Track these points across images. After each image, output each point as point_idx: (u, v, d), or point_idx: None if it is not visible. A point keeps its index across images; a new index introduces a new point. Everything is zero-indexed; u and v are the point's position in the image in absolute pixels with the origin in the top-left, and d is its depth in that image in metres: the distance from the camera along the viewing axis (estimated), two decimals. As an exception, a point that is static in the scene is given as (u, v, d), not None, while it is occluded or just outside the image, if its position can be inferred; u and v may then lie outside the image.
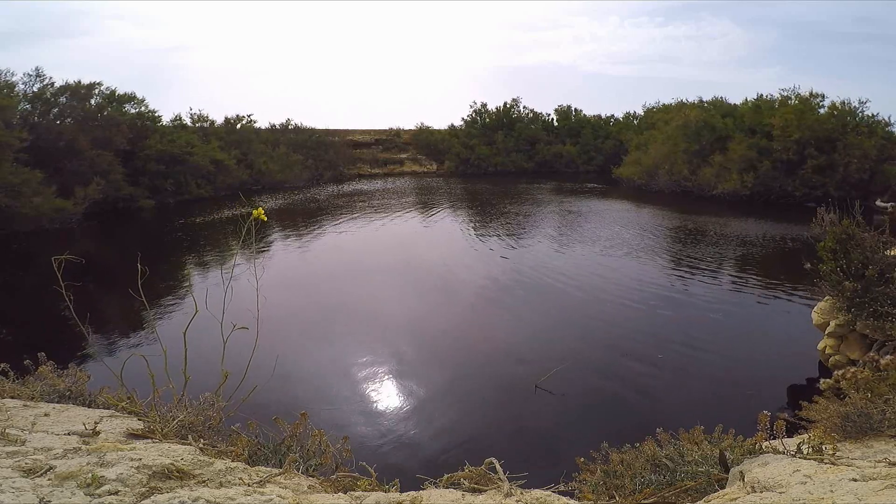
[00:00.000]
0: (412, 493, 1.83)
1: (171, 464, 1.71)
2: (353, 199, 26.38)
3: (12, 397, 2.64)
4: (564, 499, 1.84)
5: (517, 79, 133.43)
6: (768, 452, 2.32)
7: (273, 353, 5.12)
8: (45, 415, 2.35)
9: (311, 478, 2.06)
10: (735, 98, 31.80)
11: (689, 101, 32.20)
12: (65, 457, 1.71)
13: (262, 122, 36.26)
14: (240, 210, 22.53)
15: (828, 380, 5.93)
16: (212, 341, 2.80)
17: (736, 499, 1.90)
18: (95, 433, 2.08)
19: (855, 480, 1.76)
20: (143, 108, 26.49)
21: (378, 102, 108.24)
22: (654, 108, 36.94)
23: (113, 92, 25.42)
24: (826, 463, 2.04)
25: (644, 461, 2.91)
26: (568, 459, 3.81)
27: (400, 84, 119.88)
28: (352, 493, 1.85)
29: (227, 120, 33.58)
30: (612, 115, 45.04)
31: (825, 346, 7.05)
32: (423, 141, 42.71)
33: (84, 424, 2.13)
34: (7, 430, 1.96)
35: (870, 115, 23.84)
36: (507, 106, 44.50)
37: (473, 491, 1.89)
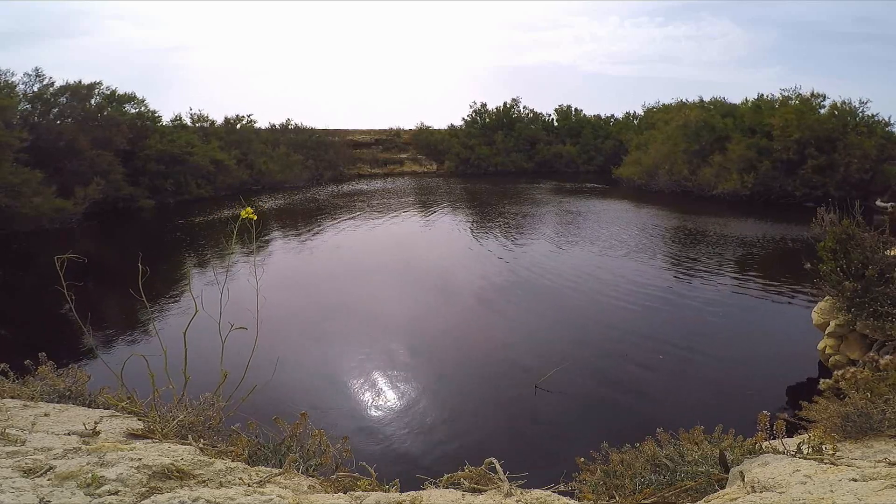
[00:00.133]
0: (412, 493, 1.83)
1: (171, 464, 1.71)
2: (352, 199, 26.38)
3: (12, 397, 2.64)
4: (564, 499, 1.84)
5: (517, 79, 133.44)
6: (768, 452, 2.32)
7: (273, 352, 5.13)
8: (45, 415, 2.35)
9: (311, 478, 2.07)
10: (735, 98, 31.84)
11: (690, 101, 32.24)
12: (65, 457, 1.71)
13: (262, 122, 36.32)
14: (239, 210, 22.54)
15: (828, 380, 5.92)
16: (212, 341, 2.80)
17: (736, 499, 1.90)
18: (95, 433, 2.08)
19: (855, 480, 1.76)
20: (142, 108, 26.50)
21: (378, 102, 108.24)
22: (654, 108, 36.94)
23: (113, 92, 25.43)
24: (826, 463, 2.04)
25: (644, 461, 2.91)
26: (568, 459, 3.81)
27: (400, 84, 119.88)
28: (352, 493, 1.86)
29: (227, 120, 33.57)
30: (612, 115, 45.08)
31: (825, 346, 7.05)
32: (423, 141, 42.71)
33: (84, 424, 2.13)
34: (7, 430, 1.96)
35: (870, 115, 23.88)
36: (507, 106, 44.50)
37: (473, 491, 1.89)
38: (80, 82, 23.47)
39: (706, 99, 31.34)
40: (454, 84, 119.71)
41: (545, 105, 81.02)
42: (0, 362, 3.09)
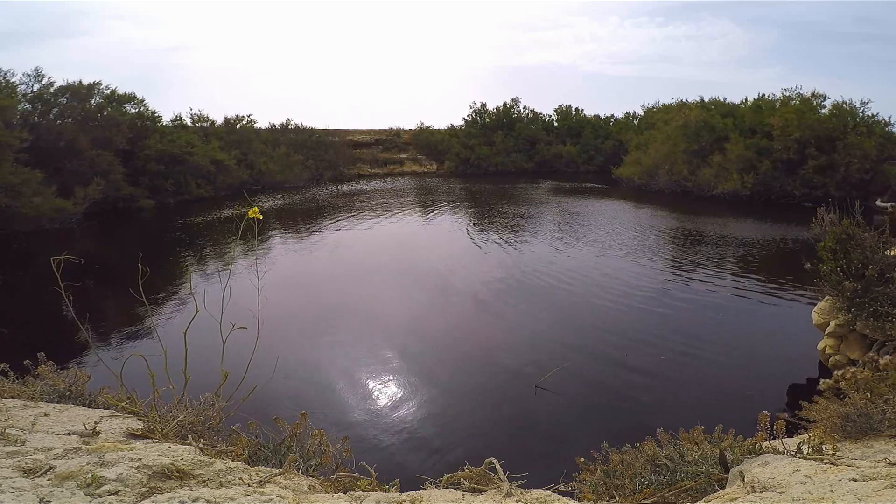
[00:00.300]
0: (412, 493, 1.83)
1: (171, 464, 1.71)
2: (352, 198, 26.38)
3: (12, 397, 2.64)
4: (564, 499, 1.84)
5: (517, 79, 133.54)
6: (768, 452, 2.32)
7: (273, 352, 5.13)
8: (45, 415, 2.35)
9: (311, 478, 2.07)
10: (735, 98, 31.85)
11: (690, 100, 32.24)
12: (65, 457, 1.71)
13: (262, 122, 36.36)
14: (238, 210, 22.54)
15: (828, 380, 5.91)
16: (212, 341, 2.80)
17: (736, 499, 1.90)
18: (95, 433, 2.08)
19: (855, 480, 1.76)
20: (142, 108, 26.52)
21: (378, 102, 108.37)
22: (653, 108, 36.95)
23: (113, 92, 25.43)
24: (826, 463, 2.04)
25: (644, 461, 2.91)
26: (568, 459, 3.81)
27: (400, 84, 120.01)
28: (352, 493, 1.86)
29: (227, 120, 33.59)
30: (612, 116, 45.09)
31: (825, 346, 7.04)
32: (423, 141, 42.72)
33: (84, 424, 2.13)
34: (7, 430, 1.96)
35: (870, 115, 23.88)
36: (507, 106, 44.51)
37: (473, 491, 1.89)
38: (79, 82, 23.49)
39: (706, 99, 31.40)
40: (454, 84, 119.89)
41: (545, 105, 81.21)
42: (0, 362, 3.09)
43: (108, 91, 25.01)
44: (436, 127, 44.51)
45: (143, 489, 1.54)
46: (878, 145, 22.38)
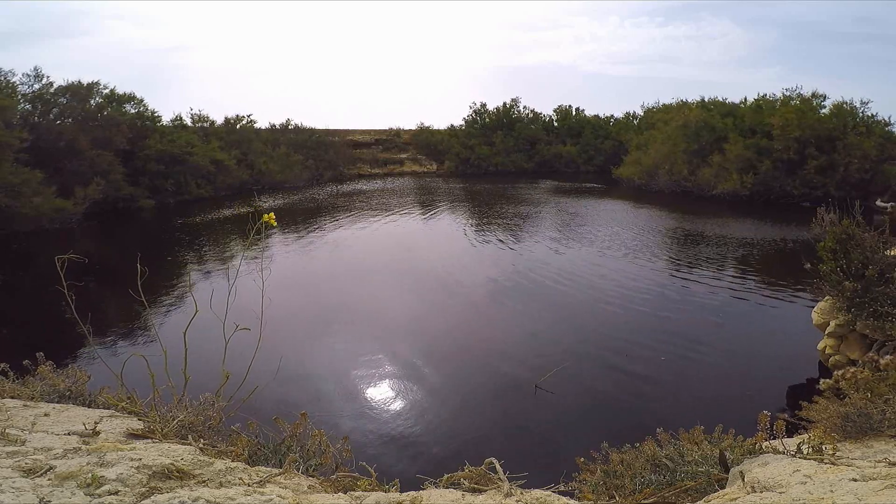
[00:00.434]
0: (412, 493, 1.83)
1: (171, 464, 1.71)
2: (352, 198, 26.38)
3: (12, 397, 2.64)
4: (564, 499, 1.84)
5: (517, 79, 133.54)
6: (768, 452, 2.32)
7: (273, 352, 5.13)
8: (45, 415, 2.35)
9: (311, 478, 2.07)
10: (735, 98, 31.82)
11: (690, 100, 32.25)
12: (65, 457, 1.71)
13: (262, 122, 36.31)
14: (239, 210, 22.54)
15: (828, 380, 5.92)
16: (212, 341, 2.80)
17: (736, 499, 1.90)
18: (95, 433, 2.08)
19: (855, 480, 1.76)
20: (142, 108, 26.51)
21: (378, 102, 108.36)
22: (653, 108, 36.96)
23: (112, 91, 25.43)
24: (826, 463, 2.04)
25: (644, 461, 2.91)
26: (568, 459, 3.81)
27: (400, 84, 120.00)
28: (352, 493, 1.86)
29: (227, 120, 33.57)
30: (612, 116, 45.07)
31: (825, 346, 7.04)
32: (423, 141, 42.72)
33: (84, 424, 2.13)
34: (7, 430, 1.96)
35: (870, 115, 23.89)
36: (507, 106, 44.50)
37: (473, 491, 1.89)
38: (79, 82, 23.50)
39: (706, 99, 31.39)
40: (454, 84, 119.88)
41: (545, 105, 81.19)
42: (0, 362, 3.09)
43: (108, 91, 25.03)
44: (436, 127, 44.56)
45: (143, 489, 1.54)
46: (878, 145, 22.38)
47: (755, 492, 1.91)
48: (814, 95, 25.30)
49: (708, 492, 2.26)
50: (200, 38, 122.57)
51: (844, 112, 23.77)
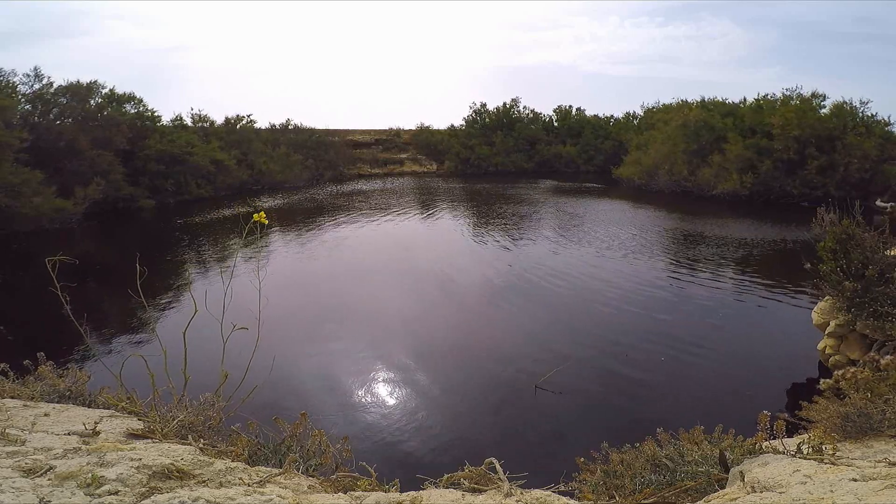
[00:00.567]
0: (412, 493, 1.83)
1: (171, 464, 1.71)
2: (352, 198, 26.38)
3: (12, 397, 2.64)
4: (564, 499, 1.84)
5: (517, 79, 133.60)
6: (768, 452, 2.32)
7: (273, 352, 5.13)
8: (45, 415, 2.35)
9: (311, 478, 2.06)
10: (735, 98, 31.79)
11: (690, 100, 32.23)
12: (65, 457, 1.71)
13: (262, 122, 36.33)
14: (238, 209, 22.54)
15: (828, 380, 5.92)
16: (211, 341, 2.80)
17: (736, 499, 1.90)
18: (95, 433, 2.08)
19: (855, 480, 1.76)
20: (142, 108, 26.52)
21: (378, 102, 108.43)
22: (653, 108, 36.96)
23: (112, 91, 25.44)
24: (826, 463, 2.04)
25: (644, 461, 2.91)
26: (568, 459, 3.81)
27: (400, 84, 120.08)
28: (352, 493, 1.85)
29: (227, 120, 33.57)
30: (612, 116, 45.07)
31: (825, 346, 7.04)
32: (423, 141, 42.72)
33: (84, 424, 2.13)
34: (7, 430, 1.95)
35: (870, 115, 23.89)
36: (507, 106, 44.50)
37: (473, 491, 1.89)
38: (79, 82, 23.50)
39: (706, 99, 31.37)
40: (454, 84, 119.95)
41: (545, 105, 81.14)
42: (0, 362, 3.09)
43: (107, 91, 25.04)
44: (436, 127, 44.56)
45: (143, 489, 1.54)
46: (878, 145, 22.38)
47: (755, 492, 1.91)
48: (814, 95, 25.32)
49: (708, 492, 2.26)
50: (200, 38, 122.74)
51: (844, 112, 23.77)
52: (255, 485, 1.73)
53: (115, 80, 67.90)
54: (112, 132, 23.21)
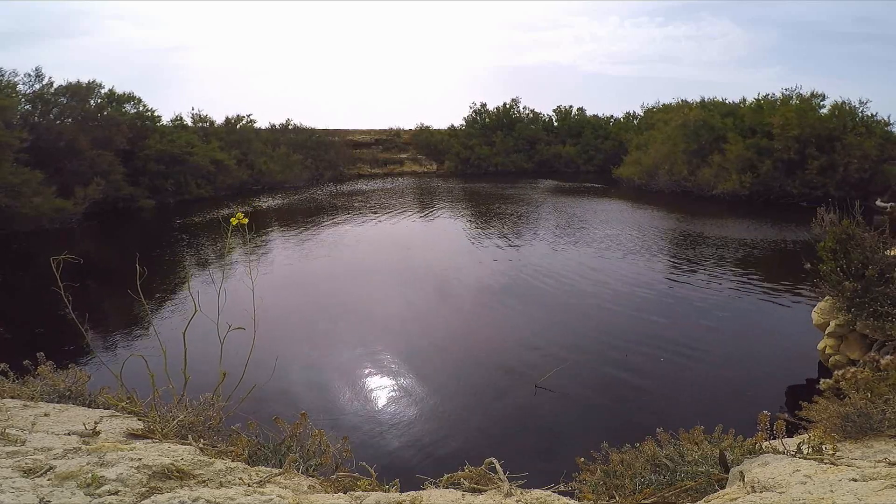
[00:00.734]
0: (412, 493, 1.83)
1: (171, 464, 1.71)
2: (352, 198, 26.38)
3: (12, 397, 2.64)
4: (564, 499, 1.84)
5: (517, 79, 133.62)
6: (768, 452, 2.32)
7: (272, 352, 5.13)
8: (45, 415, 2.35)
9: (311, 478, 2.06)
10: (735, 98, 31.80)
11: (691, 100, 32.24)
12: (65, 457, 1.71)
13: (262, 122, 36.35)
14: (235, 210, 22.52)
15: (828, 380, 5.92)
16: (212, 341, 2.80)
17: (736, 499, 1.90)
18: (95, 433, 2.08)
19: (855, 480, 1.76)
20: (142, 108, 26.52)
21: (378, 102, 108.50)
22: (653, 108, 36.97)
23: (112, 91, 25.44)
24: (826, 463, 2.04)
25: (644, 461, 2.91)
26: (568, 459, 3.81)
27: (400, 84, 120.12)
28: (352, 493, 1.85)
29: (227, 120, 33.57)
30: (612, 116, 45.09)
31: (825, 346, 7.04)
32: (423, 141, 42.73)
33: (84, 424, 2.13)
34: (7, 430, 1.95)
35: (870, 115, 23.89)
36: (507, 106, 44.52)
37: (473, 491, 1.89)
38: (79, 82, 23.50)
39: (706, 99, 31.37)
40: (454, 84, 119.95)
41: (545, 105, 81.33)
42: (0, 362, 3.09)
43: (107, 91, 25.04)
44: (436, 127, 44.60)
45: (143, 489, 1.54)
46: (878, 145, 22.38)
47: (755, 492, 1.91)
48: (813, 95, 25.32)
49: (708, 492, 2.26)
50: (200, 38, 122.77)
51: (844, 112, 23.77)
52: (255, 485, 1.73)
53: (115, 80, 67.97)
54: (112, 132, 23.22)
